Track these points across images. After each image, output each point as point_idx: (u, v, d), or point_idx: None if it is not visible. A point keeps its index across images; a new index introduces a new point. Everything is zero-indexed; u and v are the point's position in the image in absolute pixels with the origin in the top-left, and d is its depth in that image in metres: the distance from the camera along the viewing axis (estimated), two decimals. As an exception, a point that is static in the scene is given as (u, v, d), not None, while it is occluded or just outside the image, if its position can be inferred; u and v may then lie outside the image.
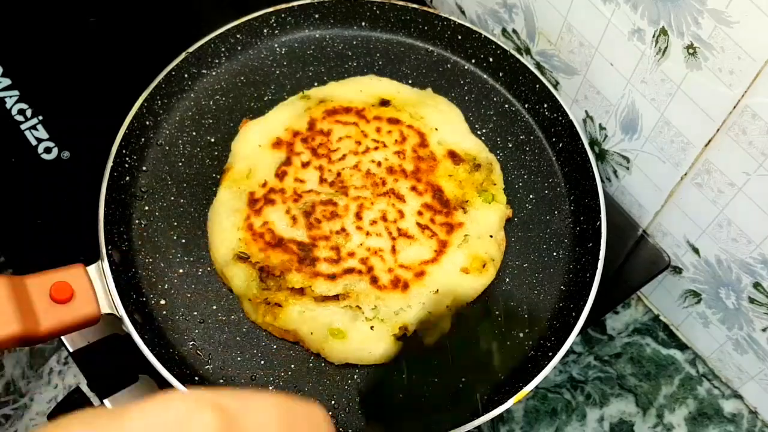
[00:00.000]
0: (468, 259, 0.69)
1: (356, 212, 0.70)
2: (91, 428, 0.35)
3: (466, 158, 0.74)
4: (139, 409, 0.35)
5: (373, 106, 0.76)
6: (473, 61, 0.82)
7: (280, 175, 0.72)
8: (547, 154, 0.78)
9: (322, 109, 0.75)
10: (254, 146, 0.74)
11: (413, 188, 0.72)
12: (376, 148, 0.73)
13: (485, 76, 0.82)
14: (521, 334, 0.69)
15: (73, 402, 0.69)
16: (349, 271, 0.67)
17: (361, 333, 0.65)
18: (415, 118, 0.76)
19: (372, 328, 0.66)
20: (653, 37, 0.66)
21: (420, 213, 0.71)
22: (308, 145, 0.73)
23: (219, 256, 0.69)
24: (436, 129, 0.75)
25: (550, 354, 0.66)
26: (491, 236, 0.71)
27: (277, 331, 0.67)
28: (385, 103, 0.77)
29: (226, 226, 0.70)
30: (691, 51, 0.63)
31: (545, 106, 0.78)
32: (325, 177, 0.72)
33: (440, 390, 0.66)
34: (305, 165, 0.72)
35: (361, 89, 0.77)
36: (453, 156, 0.74)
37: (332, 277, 0.67)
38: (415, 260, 0.68)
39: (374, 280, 0.67)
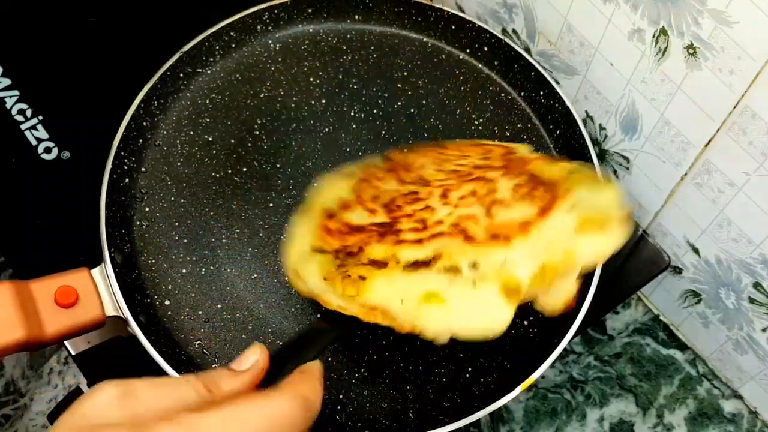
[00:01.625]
0: (581, 221, 0.55)
1: (441, 194, 0.59)
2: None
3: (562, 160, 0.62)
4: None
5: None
6: (468, 51, 0.82)
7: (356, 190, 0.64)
8: (545, 141, 0.79)
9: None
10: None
11: (504, 175, 0.59)
12: (460, 158, 0.64)
13: (480, 66, 0.81)
14: (525, 322, 0.69)
15: (74, 402, 0.69)
16: (438, 234, 0.55)
17: (461, 295, 0.54)
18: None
19: (474, 283, 0.53)
20: (653, 37, 0.66)
21: (515, 189, 0.58)
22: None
23: (293, 261, 0.61)
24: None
25: (556, 340, 0.66)
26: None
27: (362, 312, 0.55)
28: None
29: (301, 238, 0.62)
30: (691, 51, 0.63)
31: (541, 93, 0.78)
32: (404, 179, 0.63)
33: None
34: (380, 179, 0.64)
35: None
36: (549, 156, 0.66)
37: (419, 241, 0.56)
38: (515, 219, 0.55)
39: (469, 239, 0.55)
